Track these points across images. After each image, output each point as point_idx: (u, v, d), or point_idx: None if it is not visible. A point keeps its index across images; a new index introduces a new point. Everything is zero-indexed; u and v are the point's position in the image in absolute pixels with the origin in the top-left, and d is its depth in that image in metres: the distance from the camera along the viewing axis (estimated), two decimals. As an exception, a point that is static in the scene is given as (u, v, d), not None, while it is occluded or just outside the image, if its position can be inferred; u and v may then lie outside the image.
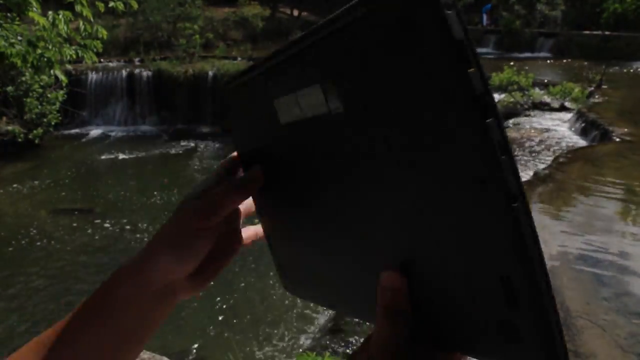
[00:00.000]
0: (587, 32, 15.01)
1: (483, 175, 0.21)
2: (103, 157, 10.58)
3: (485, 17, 17.71)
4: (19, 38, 3.38)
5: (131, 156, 10.65)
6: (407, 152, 0.24)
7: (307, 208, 0.36)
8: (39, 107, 10.25)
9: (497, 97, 8.80)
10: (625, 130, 6.29)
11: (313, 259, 0.38)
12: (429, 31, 0.21)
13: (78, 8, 3.47)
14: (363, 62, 0.25)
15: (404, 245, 0.27)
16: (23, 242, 6.65)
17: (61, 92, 10.71)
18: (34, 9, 3.33)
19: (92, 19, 3.67)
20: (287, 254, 0.43)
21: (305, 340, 4.27)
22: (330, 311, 3.76)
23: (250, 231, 0.48)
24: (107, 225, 7.11)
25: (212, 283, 0.46)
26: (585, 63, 12.63)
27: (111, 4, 3.83)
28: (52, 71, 3.59)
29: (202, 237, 0.41)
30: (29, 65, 3.39)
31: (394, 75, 0.24)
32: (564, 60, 13.50)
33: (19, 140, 9.96)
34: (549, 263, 3.40)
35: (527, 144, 6.25)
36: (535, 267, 0.22)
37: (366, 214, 0.29)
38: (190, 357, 4.19)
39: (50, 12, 3.44)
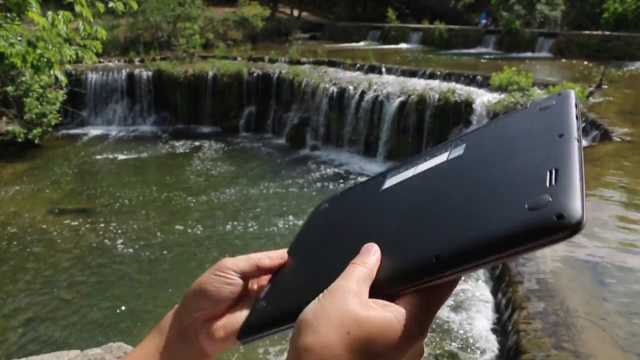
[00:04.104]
0: (587, 32, 15.02)
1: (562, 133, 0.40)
2: (103, 157, 10.59)
3: (484, 22, 17.80)
4: (19, 38, 3.37)
5: (131, 156, 10.65)
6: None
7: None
8: (39, 107, 10.25)
9: (497, 97, 8.80)
10: (625, 130, 6.29)
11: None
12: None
13: (78, 8, 3.46)
14: None
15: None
16: (23, 241, 6.65)
17: (61, 92, 10.71)
18: (34, 9, 3.33)
19: (91, 19, 3.67)
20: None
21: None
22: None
23: None
24: (106, 225, 7.11)
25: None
26: (585, 63, 12.63)
27: (111, 4, 3.82)
28: (52, 71, 3.58)
29: (224, 282, 0.47)
30: (28, 65, 3.39)
31: None
32: (564, 60, 13.50)
33: (19, 140, 9.96)
34: (549, 264, 3.40)
35: (527, 144, 6.24)
36: None
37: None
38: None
39: (49, 13, 3.43)
